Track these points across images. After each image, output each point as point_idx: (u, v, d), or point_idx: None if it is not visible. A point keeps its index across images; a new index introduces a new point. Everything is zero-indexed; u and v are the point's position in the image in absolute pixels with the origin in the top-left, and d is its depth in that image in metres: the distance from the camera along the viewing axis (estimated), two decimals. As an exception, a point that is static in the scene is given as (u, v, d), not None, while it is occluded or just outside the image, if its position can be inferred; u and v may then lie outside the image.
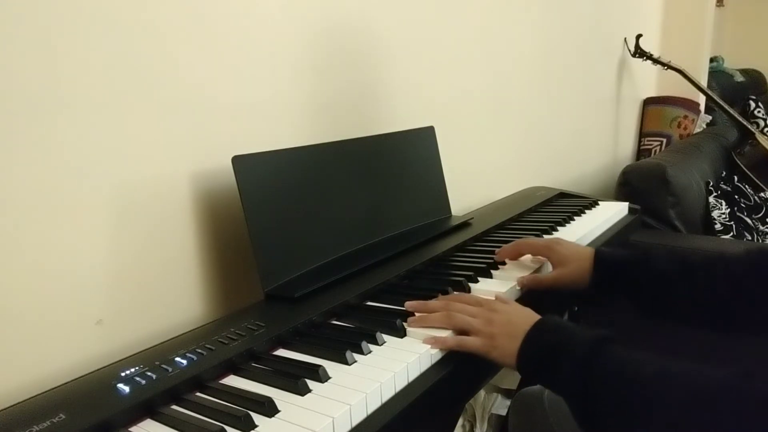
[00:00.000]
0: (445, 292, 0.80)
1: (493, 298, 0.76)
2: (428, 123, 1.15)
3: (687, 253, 0.81)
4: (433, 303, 0.75)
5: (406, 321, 0.72)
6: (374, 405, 0.58)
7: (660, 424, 0.54)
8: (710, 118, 2.84)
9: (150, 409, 0.56)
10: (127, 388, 0.56)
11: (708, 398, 0.52)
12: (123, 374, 0.59)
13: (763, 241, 2.07)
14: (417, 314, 0.74)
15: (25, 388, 0.65)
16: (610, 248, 0.90)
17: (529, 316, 0.69)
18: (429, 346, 0.66)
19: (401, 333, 0.70)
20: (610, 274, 0.83)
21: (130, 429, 0.54)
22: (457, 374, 0.67)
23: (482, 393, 1.47)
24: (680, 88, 2.65)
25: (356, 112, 1.12)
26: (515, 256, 0.93)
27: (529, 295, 0.86)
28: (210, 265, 0.86)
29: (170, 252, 0.81)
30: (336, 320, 0.76)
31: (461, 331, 0.70)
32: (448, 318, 0.71)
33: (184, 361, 0.61)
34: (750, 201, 2.19)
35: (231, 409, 0.54)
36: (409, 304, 0.76)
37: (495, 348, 0.67)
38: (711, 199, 1.99)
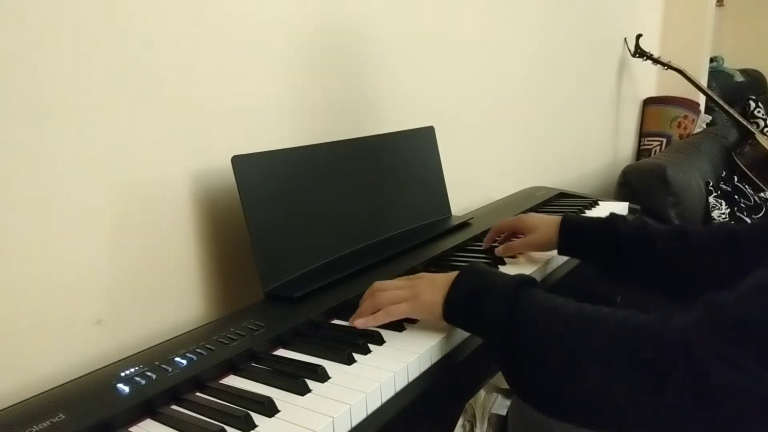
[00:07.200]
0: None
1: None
2: (428, 123, 1.15)
3: (651, 224, 0.86)
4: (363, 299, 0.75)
5: (409, 322, 0.72)
6: (374, 405, 0.58)
7: (579, 360, 0.53)
8: (710, 118, 2.84)
9: (150, 409, 0.56)
10: (127, 388, 0.56)
11: (628, 334, 0.51)
12: (123, 374, 0.59)
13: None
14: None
15: (25, 388, 0.65)
16: (577, 215, 0.97)
17: (454, 273, 0.69)
18: (430, 345, 0.66)
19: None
20: (573, 236, 0.89)
21: (130, 429, 0.54)
22: (456, 373, 0.67)
23: (482, 393, 1.47)
24: (680, 88, 2.65)
25: (356, 112, 1.12)
26: (494, 238, 1.00)
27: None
28: (210, 265, 0.86)
29: (170, 252, 0.81)
30: (336, 320, 0.76)
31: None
32: (374, 299, 0.71)
33: (184, 361, 0.61)
34: (750, 201, 2.19)
35: (231, 409, 0.54)
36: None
37: (422, 305, 0.68)
38: (711, 199, 1.99)
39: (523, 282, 0.63)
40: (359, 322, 0.70)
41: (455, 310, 0.66)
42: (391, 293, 0.71)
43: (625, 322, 0.52)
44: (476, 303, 0.63)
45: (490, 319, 0.61)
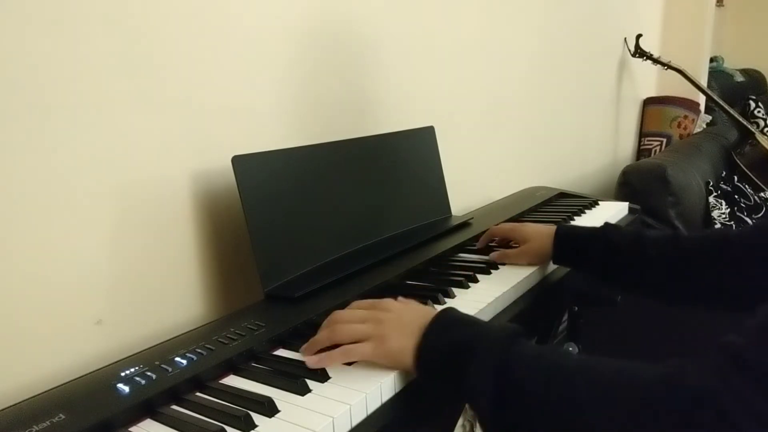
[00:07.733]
0: (445, 293, 0.80)
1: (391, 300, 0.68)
2: (428, 123, 1.15)
3: (643, 230, 0.88)
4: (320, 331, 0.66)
5: None
6: (374, 405, 0.58)
7: (589, 424, 0.50)
8: (710, 118, 2.84)
9: (150, 409, 0.56)
10: (127, 388, 0.56)
11: (636, 399, 0.49)
12: (123, 374, 0.59)
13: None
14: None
15: (25, 388, 0.65)
16: (571, 225, 1.01)
17: (426, 313, 0.62)
18: None
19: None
20: (568, 248, 0.90)
21: (130, 429, 0.54)
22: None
23: (482, 393, 1.47)
24: (680, 88, 2.65)
25: (356, 112, 1.12)
26: (490, 240, 1.01)
27: (531, 294, 0.87)
28: (210, 265, 0.86)
29: (170, 252, 0.81)
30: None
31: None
32: (332, 333, 0.63)
33: (184, 361, 0.61)
34: (750, 201, 2.19)
35: (231, 409, 0.54)
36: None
37: (388, 352, 0.60)
38: (711, 199, 1.99)
39: (512, 335, 0.57)
40: (312, 360, 0.61)
41: (431, 365, 0.59)
42: (352, 328, 0.62)
43: (636, 379, 0.50)
44: (457, 359, 0.56)
45: (476, 379, 0.54)
